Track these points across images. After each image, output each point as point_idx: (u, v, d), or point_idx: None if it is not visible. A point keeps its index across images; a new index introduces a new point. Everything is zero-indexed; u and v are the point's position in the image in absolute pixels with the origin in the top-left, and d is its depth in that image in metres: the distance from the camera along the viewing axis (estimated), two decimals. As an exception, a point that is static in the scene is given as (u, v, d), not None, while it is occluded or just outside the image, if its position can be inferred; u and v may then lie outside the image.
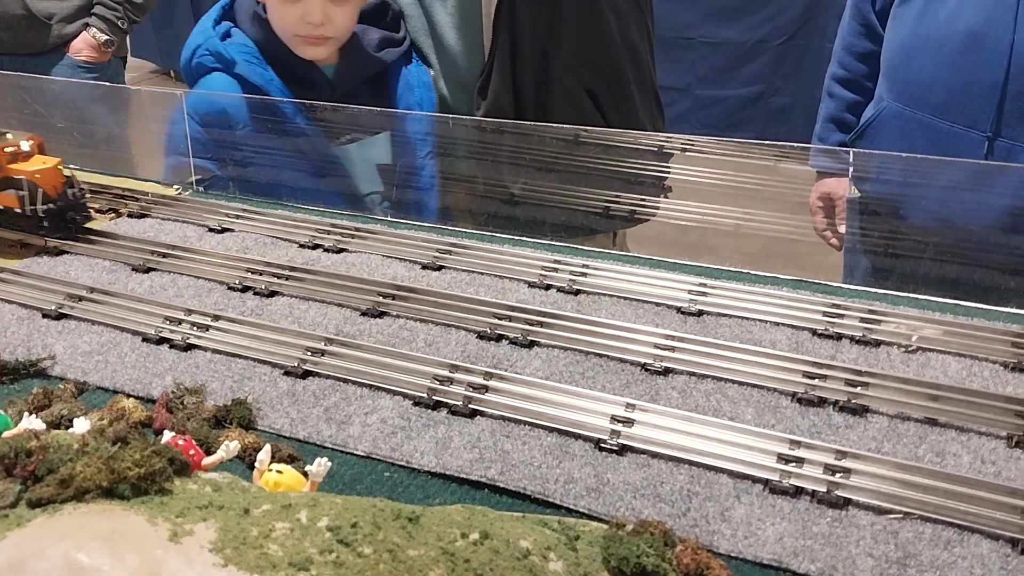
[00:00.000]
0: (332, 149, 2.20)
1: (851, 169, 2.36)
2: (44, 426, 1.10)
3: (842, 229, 2.42)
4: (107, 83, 3.17)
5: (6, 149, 1.76)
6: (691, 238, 2.02)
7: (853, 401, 1.30)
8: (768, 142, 2.14)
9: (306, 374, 1.42)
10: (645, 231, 2.17)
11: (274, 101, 2.11)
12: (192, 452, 1.07)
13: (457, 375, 1.38)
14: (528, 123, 2.09)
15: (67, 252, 1.83)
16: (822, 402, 1.31)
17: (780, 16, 6.12)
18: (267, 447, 1.10)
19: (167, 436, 1.10)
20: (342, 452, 1.26)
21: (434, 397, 1.34)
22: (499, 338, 1.50)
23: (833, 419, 1.28)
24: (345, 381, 1.40)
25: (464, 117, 2.21)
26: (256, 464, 1.08)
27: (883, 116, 2.30)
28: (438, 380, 1.37)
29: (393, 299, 1.61)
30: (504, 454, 1.22)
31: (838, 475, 1.14)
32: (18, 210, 1.76)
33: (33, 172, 1.73)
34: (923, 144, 2.17)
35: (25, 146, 1.78)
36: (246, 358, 1.46)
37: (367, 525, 0.94)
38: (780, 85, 6.35)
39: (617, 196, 2.09)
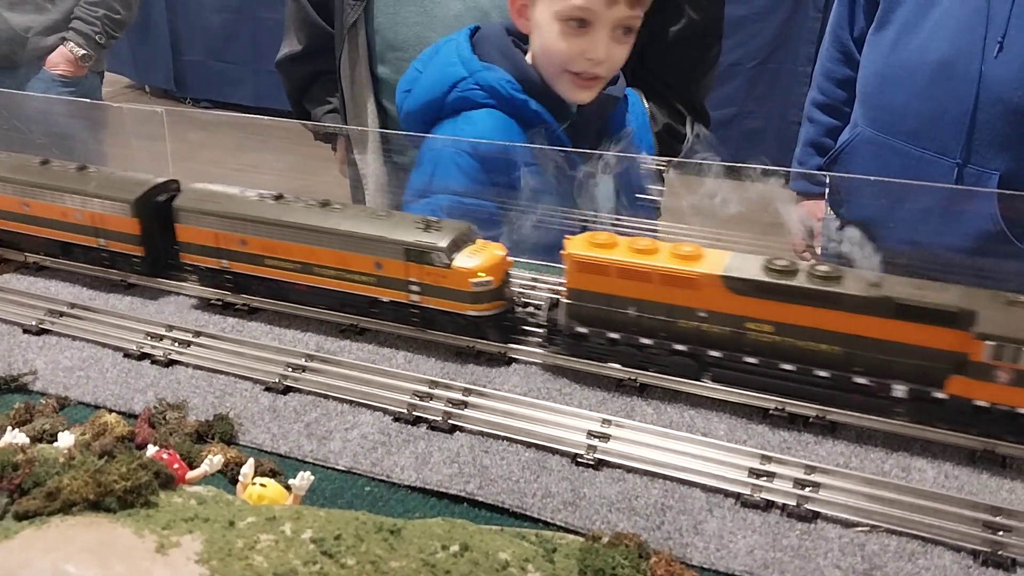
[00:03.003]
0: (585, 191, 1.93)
1: (827, 191, 2.43)
2: (28, 440, 1.11)
3: (819, 249, 2.48)
4: (86, 99, 3.17)
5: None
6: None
7: (823, 418, 1.33)
8: (748, 165, 2.18)
9: (287, 390, 1.43)
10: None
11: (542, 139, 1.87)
12: (176, 466, 1.08)
13: (437, 391, 1.40)
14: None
15: (47, 268, 1.83)
16: (793, 419, 1.34)
17: (752, 40, 6.23)
18: (250, 461, 1.12)
19: (152, 450, 1.12)
20: (323, 467, 1.28)
21: (414, 413, 1.37)
22: (478, 355, 1.53)
23: (803, 435, 1.32)
24: (326, 397, 1.42)
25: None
26: (240, 478, 1.09)
27: (857, 141, 2.36)
28: (418, 396, 1.39)
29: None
30: (483, 469, 1.25)
31: (807, 489, 1.18)
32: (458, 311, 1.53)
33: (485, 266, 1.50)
34: (896, 170, 2.22)
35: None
36: (227, 374, 1.47)
37: (350, 537, 0.96)
38: (752, 108, 6.46)
39: (596, 216, 2.13)
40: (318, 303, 1.63)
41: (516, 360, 1.51)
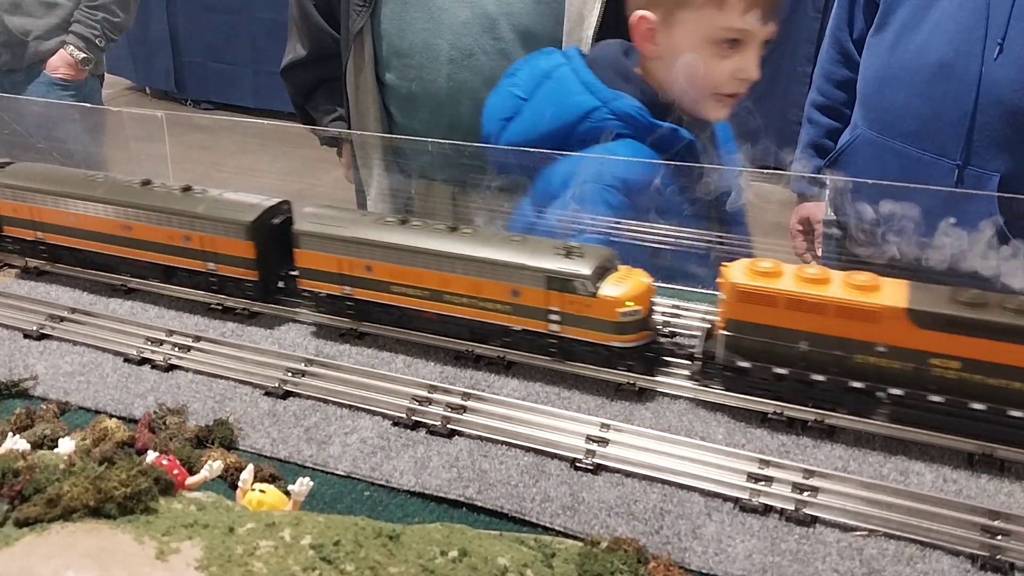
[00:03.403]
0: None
1: (827, 193, 2.43)
2: (28, 446, 1.12)
3: (820, 251, 2.48)
4: (87, 104, 3.17)
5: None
6: (664, 261, 2.04)
7: (822, 422, 1.34)
8: (749, 169, 2.18)
9: (287, 394, 1.44)
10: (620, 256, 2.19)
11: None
12: (176, 472, 1.09)
13: (436, 395, 1.40)
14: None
15: (48, 273, 1.84)
16: (792, 423, 1.34)
17: (753, 40, 6.23)
18: (250, 467, 1.13)
19: (151, 456, 1.12)
20: (322, 472, 1.28)
21: (413, 417, 1.37)
22: (477, 359, 1.53)
23: (801, 439, 1.32)
24: (325, 401, 1.42)
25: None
26: (239, 483, 1.10)
27: (857, 143, 2.37)
28: (417, 400, 1.40)
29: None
30: (482, 473, 1.25)
31: (806, 493, 1.18)
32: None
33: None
34: (896, 171, 2.22)
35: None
36: (227, 379, 1.48)
37: (349, 543, 0.96)
38: (751, 107, 6.46)
39: (593, 219, 2.13)
40: (447, 332, 1.54)
41: (662, 394, 1.42)
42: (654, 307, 1.49)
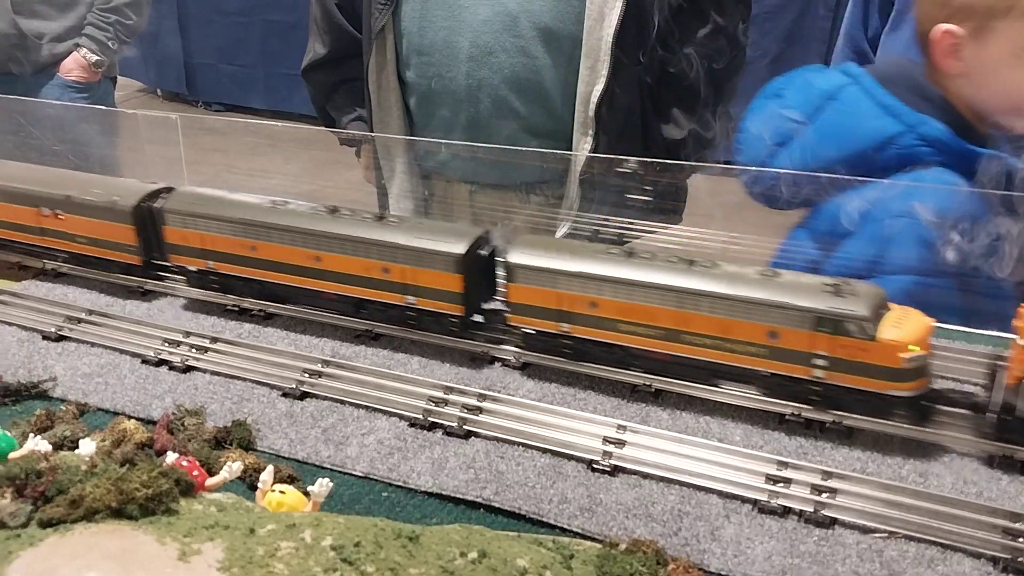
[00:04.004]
0: None
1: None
2: (50, 447, 1.12)
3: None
4: (102, 107, 3.18)
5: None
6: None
7: (840, 423, 1.33)
8: (759, 169, 2.18)
9: (304, 395, 1.44)
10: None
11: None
12: (196, 473, 1.09)
13: (452, 396, 1.41)
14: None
15: (65, 275, 1.85)
16: (810, 424, 1.34)
17: (763, 38, 6.23)
18: (269, 468, 1.13)
19: (171, 457, 1.13)
20: (340, 472, 1.28)
21: (429, 418, 1.37)
22: (492, 360, 1.53)
23: (819, 441, 1.31)
24: (342, 402, 1.43)
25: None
26: (259, 484, 1.10)
27: None
28: (433, 401, 1.40)
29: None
30: (499, 475, 1.25)
31: (824, 495, 1.18)
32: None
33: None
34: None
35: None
36: (244, 380, 1.48)
37: (369, 544, 0.97)
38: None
39: (605, 220, 2.13)
40: (685, 376, 1.43)
41: (943, 448, 1.30)
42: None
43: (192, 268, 1.72)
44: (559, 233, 2.10)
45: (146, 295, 1.77)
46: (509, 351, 1.54)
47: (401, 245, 1.53)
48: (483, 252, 1.53)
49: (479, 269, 1.54)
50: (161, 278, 1.80)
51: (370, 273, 1.57)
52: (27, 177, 1.85)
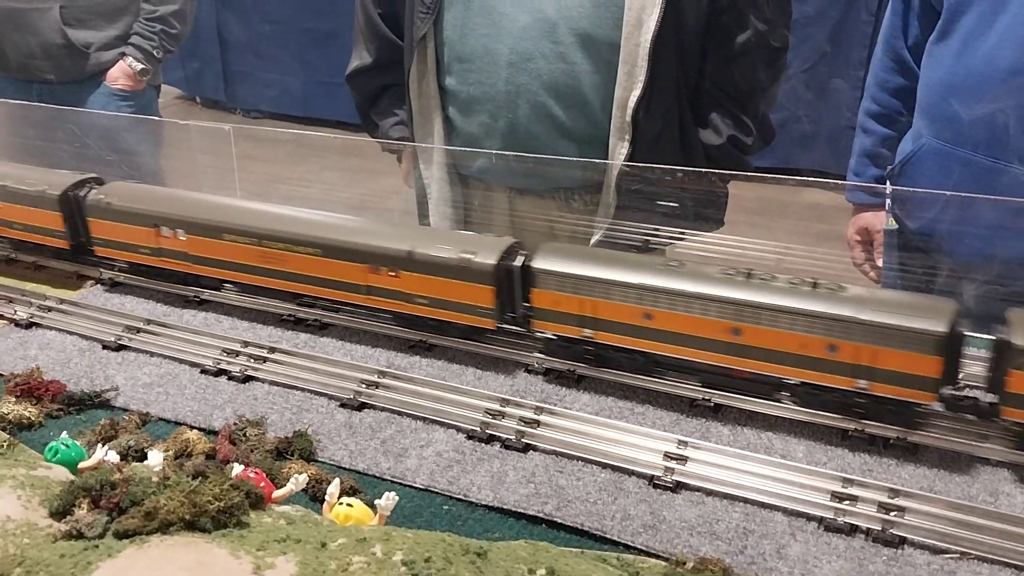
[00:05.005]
0: None
1: (888, 202, 2.39)
2: (118, 457, 1.14)
3: (880, 262, 2.44)
4: (144, 115, 3.22)
5: None
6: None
7: (904, 439, 1.31)
8: (803, 178, 2.16)
9: (362, 406, 1.45)
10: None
11: None
12: (262, 484, 1.10)
13: (508, 409, 1.41)
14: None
15: (121, 284, 1.88)
16: (873, 440, 1.32)
17: (803, 44, 6.17)
18: (336, 481, 1.14)
19: (237, 469, 1.14)
20: (400, 484, 1.29)
21: (487, 431, 1.37)
22: (546, 372, 1.53)
23: (884, 457, 1.30)
24: (399, 413, 1.43)
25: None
26: (327, 497, 1.11)
27: (922, 152, 2.32)
28: (490, 414, 1.40)
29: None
30: (559, 489, 1.25)
31: (892, 513, 1.16)
32: None
33: None
34: (965, 180, 2.18)
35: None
36: (303, 390, 1.49)
37: (439, 560, 0.97)
38: (804, 112, 6.39)
39: (656, 229, 2.12)
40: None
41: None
42: None
43: (554, 335, 1.53)
44: (593, 240, 2.10)
45: (202, 304, 1.79)
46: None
47: (857, 319, 1.32)
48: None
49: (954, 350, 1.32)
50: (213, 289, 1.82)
51: (810, 351, 1.35)
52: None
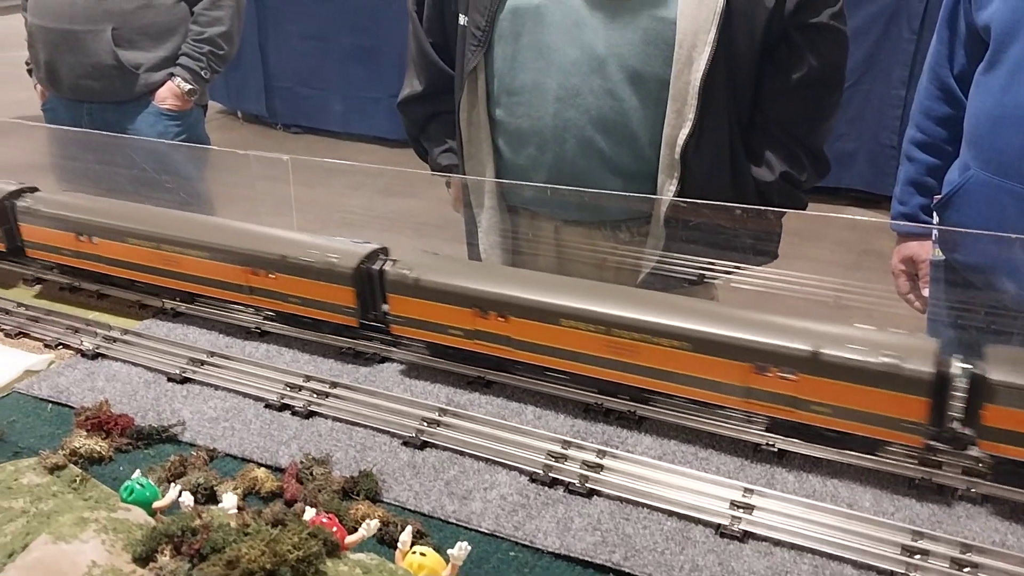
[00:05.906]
0: None
1: (935, 232, 2.37)
2: (192, 499, 1.16)
3: (926, 292, 2.41)
4: (215, 148, 3.26)
5: None
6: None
7: (972, 490, 1.30)
8: (846, 216, 2.14)
9: (424, 445, 1.46)
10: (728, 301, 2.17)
11: None
12: (335, 529, 1.11)
13: (570, 451, 1.41)
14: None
15: (182, 314, 1.91)
16: (941, 490, 1.31)
17: (844, 63, 6.12)
18: (408, 528, 1.15)
19: (310, 513, 1.15)
20: (466, 528, 1.29)
21: (550, 474, 1.38)
22: (607, 413, 1.53)
23: (953, 508, 1.28)
24: (462, 453, 1.44)
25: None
26: (399, 545, 1.12)
27: (970, 185, 2.30)
28: (552, 456, 1.40)
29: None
30: (626, 538, 1.25)
31: (966, 569, 1.15)
32: None
33: None
34: (1015, 213, 2.15)
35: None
36: (365, 427, 1.51)
37: (515, 614, 0.97)
38: (844, 131, 6.34)
39: (710, 262, 2.11)
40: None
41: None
42: None
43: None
44: (642, 276, 2.10)
45: (263, 336, 1.82)
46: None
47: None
48: None
49: None
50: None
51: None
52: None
